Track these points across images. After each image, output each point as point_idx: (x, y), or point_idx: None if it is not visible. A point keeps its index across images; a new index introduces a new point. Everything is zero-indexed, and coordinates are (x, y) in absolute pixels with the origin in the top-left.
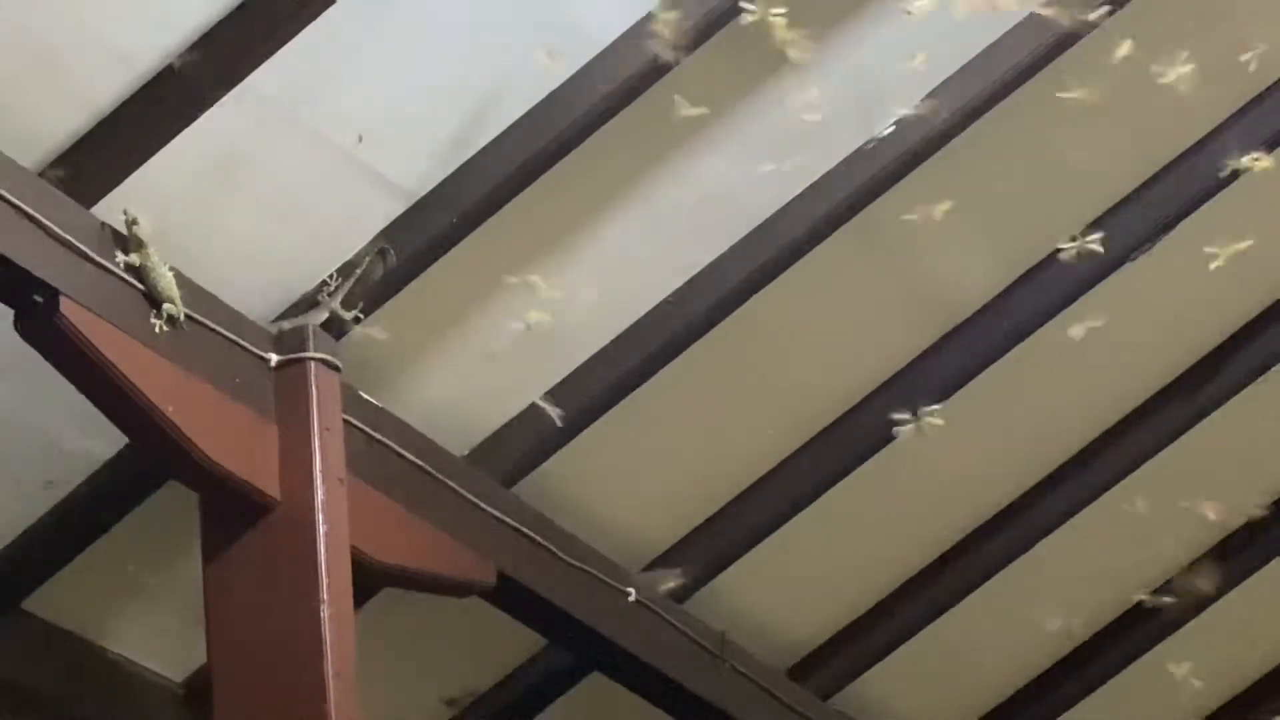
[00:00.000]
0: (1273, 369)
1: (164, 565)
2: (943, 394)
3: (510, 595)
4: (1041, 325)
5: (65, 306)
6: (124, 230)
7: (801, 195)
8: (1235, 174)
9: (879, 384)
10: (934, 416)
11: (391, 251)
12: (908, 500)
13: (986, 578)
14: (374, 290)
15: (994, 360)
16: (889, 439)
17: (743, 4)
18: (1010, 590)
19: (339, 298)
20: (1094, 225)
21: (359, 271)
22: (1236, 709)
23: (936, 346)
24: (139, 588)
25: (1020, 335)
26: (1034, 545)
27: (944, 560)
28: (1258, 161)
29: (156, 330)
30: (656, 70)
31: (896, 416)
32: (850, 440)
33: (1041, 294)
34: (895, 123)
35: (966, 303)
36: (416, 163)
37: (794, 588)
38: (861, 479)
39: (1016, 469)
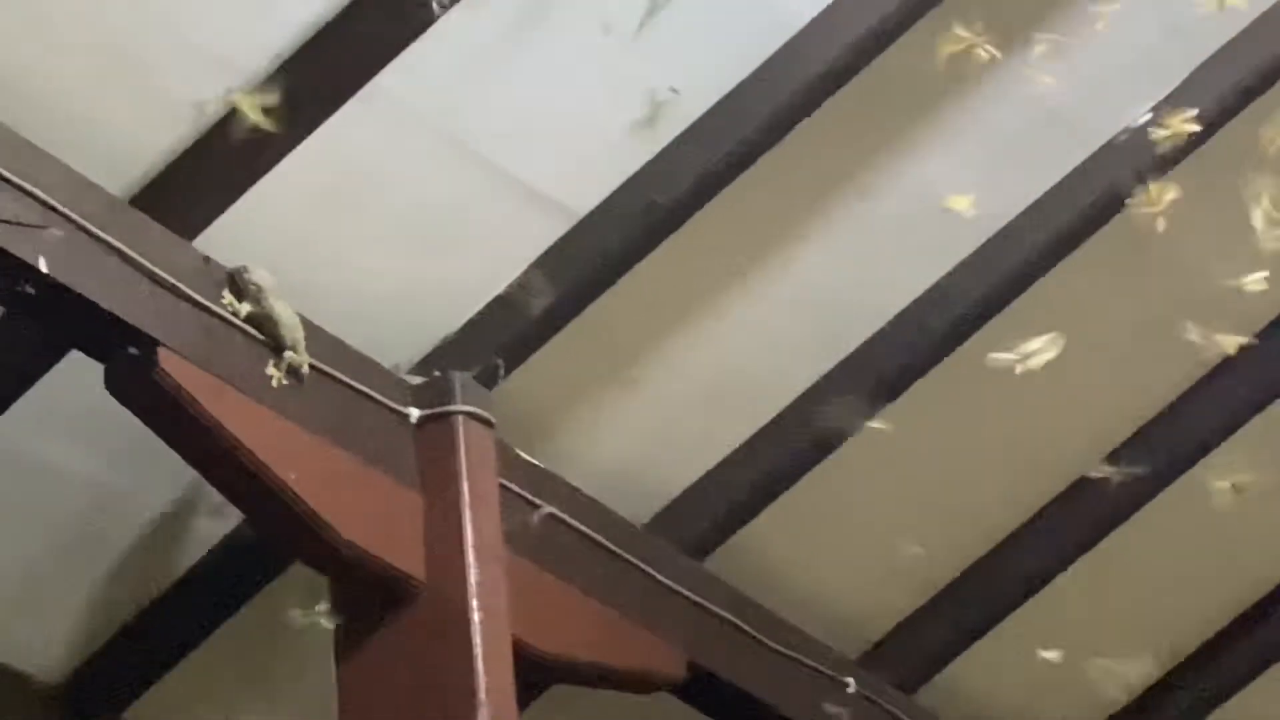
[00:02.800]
0: None
1: (287, 663)
2: (1222, 437)
3: (704, 689)
4: None
5: (164, 358)
6: (234, 274)
7: (1040, 200)
8: None
9: (1141, 425)
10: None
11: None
12: (1183, 562)
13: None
14: (531, 329)
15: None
16: (1153, 494)
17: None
18: None
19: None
20: None
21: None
22: None
23: (1209, 379)
24: (258, 690)
25: None
26: None
27: (1231, 632)
28: None
29: (274, 384)
30: (859, 59)
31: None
32: (1111, 494)
33: None
34: (1152, 109)
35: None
36: (578, 174)
37: (1045, 672)
38: (1126, 537)
39: None
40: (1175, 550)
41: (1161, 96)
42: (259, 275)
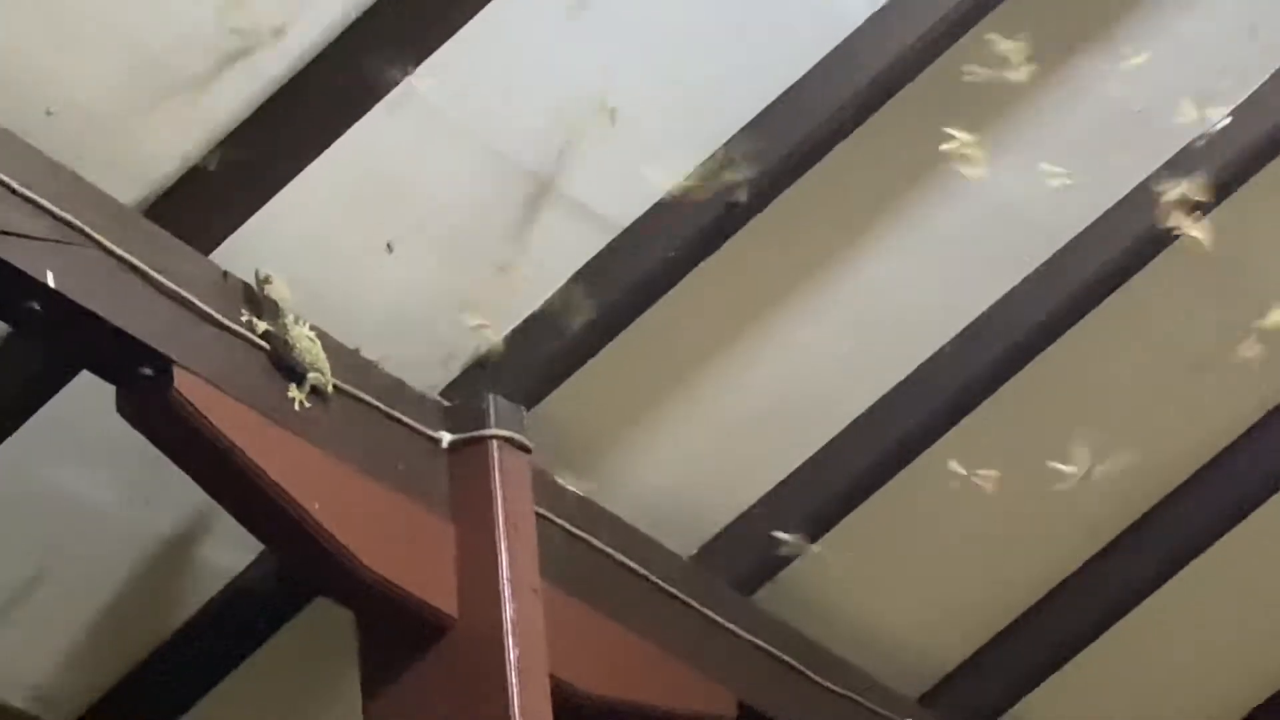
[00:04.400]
0: None
1: (311, 703)
2: None
3: None
4: None
5: (180, 379)
6: (253, 285)
7: (1115, 208)
8: None
9: (1224, 447)
10: None
11: None
12: (1261, 597)
13: None
14: (570, 347)
15: None
16: (1236, 520)
17: None
18: None
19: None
20: None
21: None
22: None
23: None
24: None
25: None
26: None
27: None
28: None
29: (297, 407)
30: (917, 60)
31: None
32: (1183, 523)
33: None
34: (1233, 111)
35: None
36: (622, 184)
37: (1113, 713)
38: (1204, 568)
39: None
40: (1254, 584)
41: (1242, 99)
42: (276, 289)
